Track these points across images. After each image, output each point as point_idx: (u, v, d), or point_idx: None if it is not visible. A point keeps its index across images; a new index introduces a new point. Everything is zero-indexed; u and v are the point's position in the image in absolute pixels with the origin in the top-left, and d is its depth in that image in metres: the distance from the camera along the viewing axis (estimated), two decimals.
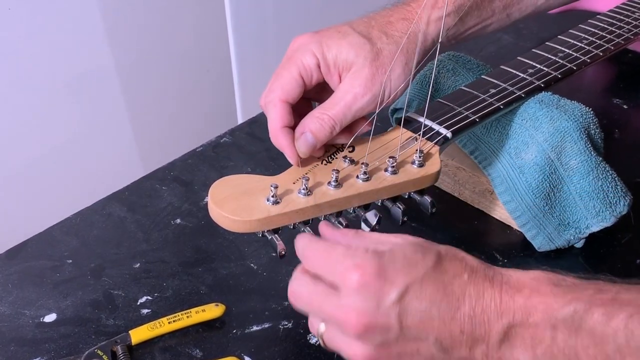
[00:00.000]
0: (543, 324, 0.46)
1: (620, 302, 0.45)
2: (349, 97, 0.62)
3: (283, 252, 0.58)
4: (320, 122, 0.61)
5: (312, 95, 0.66)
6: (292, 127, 0.63)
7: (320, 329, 0.50)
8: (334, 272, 0.49)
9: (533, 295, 0.47)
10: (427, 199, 0.62)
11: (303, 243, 0.52)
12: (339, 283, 0.48)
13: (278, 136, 0.62)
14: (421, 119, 0.66)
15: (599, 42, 0.80)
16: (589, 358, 0.44)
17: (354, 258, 0.48)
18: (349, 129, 0.64)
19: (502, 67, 0.75)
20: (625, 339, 0.43)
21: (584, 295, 0.46)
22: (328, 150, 0.64)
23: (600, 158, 0.70)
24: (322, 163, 0.63)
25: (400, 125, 0.66)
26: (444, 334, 0.46)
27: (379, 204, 0.62)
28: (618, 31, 0.83)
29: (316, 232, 0.58)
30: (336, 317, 0.48)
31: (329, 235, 0.54)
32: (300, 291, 0.51)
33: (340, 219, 0.60)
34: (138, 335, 0.63)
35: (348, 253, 0.49)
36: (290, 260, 0.71)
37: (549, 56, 0.76)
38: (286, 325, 0.65)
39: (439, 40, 0.64)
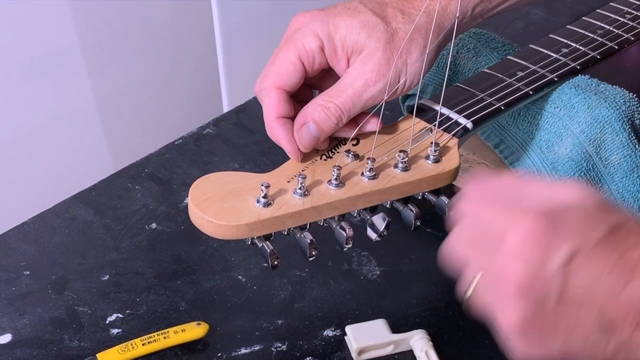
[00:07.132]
0: None
1: None
2: (359, 84, 0.62)
3: (276, 262, 0.58)
4: (325, 111, 0.61)
5: (314, 82, 0.66)
6: (292, 118, 0.63)
7: (474, 279, 0.50)
8: (500, 219, 0.49)
9: None
10: (444, 200, 0.62)
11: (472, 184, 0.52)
12: (504, 232, 0.48)
13: (273, 128, 0.62)
14: (437, 107, 0.66)
15: None
16: None
17: (526, 210, 0.48)
18: (353, 120, 0.64)
19: (531, 46, 0.75)
20: None
21: None
22: (329, 143, 0.64)
23: None
24: (321, 158, 0.63)
25: (412, 114, 0.66)
26: (609, 307, 0.46)
27: (388, 206, 0.63)
28: None
29: (314, 235, 0.58)
30: (494, 270, 0.48)
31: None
32: (462, 234, 0.51)
33: (343, 224, 0.60)
34: (107, 359, 0.63)
35: (520, 200, 0.49)
36: (284, 272, 0.71)
37: (586, 33, 0.76)
38: (280, 347, 0.65)
39: (456, 15, 0.64)
